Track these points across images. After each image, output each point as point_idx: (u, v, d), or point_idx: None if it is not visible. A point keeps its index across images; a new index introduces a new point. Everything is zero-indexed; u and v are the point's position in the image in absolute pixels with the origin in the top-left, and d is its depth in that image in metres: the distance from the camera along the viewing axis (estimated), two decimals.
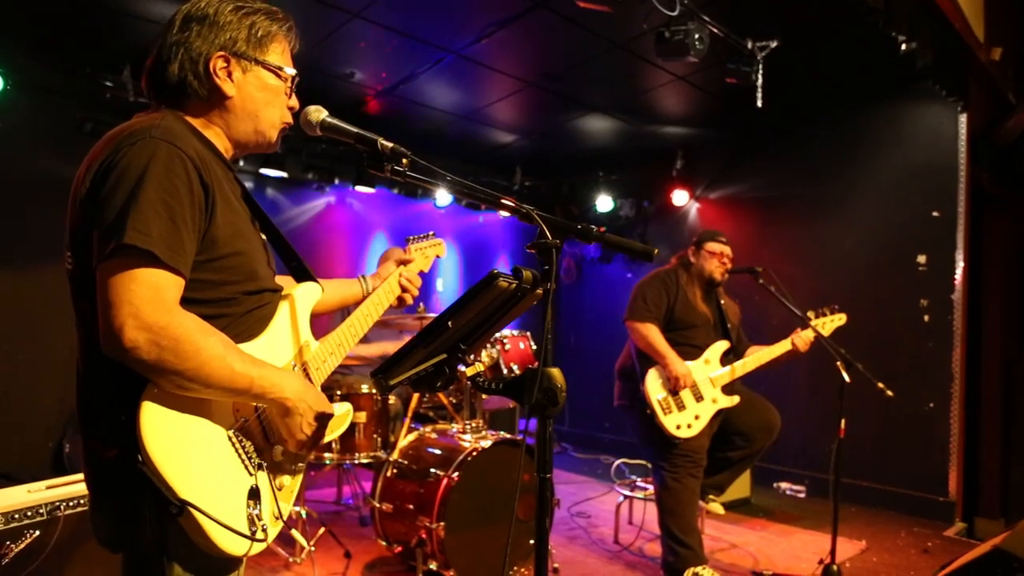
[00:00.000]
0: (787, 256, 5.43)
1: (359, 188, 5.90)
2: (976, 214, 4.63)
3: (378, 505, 3.26)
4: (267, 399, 1.27)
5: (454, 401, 3.91)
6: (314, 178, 5.56)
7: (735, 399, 3.38)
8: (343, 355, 1.60)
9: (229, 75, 1.34)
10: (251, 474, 1.29)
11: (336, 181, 5.70)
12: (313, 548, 3.38)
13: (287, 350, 1.43)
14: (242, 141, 1.40)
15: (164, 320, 1.09)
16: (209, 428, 1.22)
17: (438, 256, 2.03)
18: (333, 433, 1.53)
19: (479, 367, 1.35)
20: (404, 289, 1.85)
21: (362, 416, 3.51)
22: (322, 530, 3.60)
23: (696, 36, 3.42)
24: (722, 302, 3.59)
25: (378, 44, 4.25)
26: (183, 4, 1.36)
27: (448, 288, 6.96)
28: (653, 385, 3.28)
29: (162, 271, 1.12)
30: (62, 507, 2.13)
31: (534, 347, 3.80)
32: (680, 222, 6.46)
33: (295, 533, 3.29)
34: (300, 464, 1.45)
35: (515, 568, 3.19)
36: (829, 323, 3.45)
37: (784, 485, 5.29)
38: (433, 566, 3.03)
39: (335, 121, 1.34)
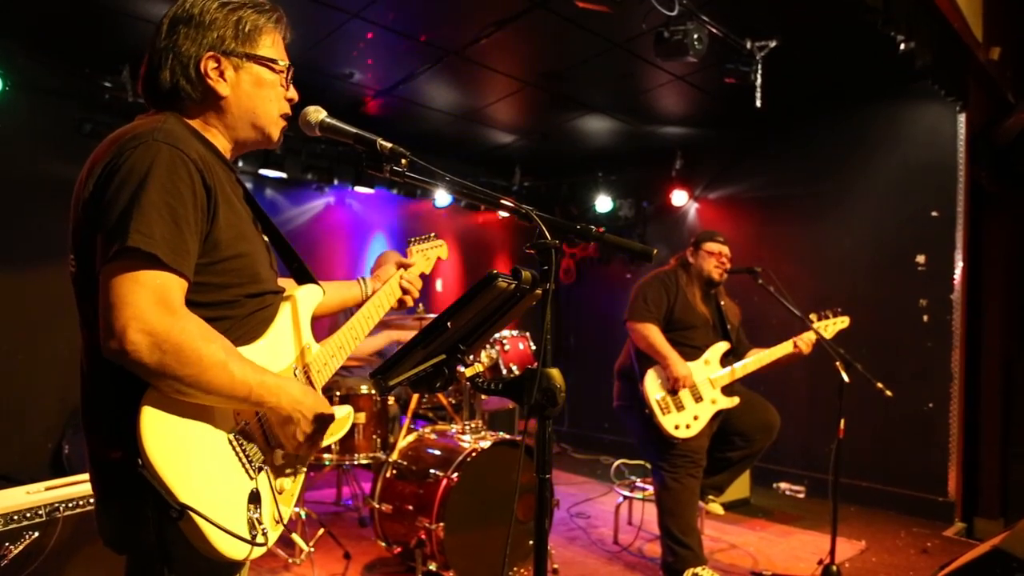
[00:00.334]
0: (786, 256, 5.43)
1: (358, 188, 5.90)
2: (975, 213, 4.63)
3: (377, 506, 3.26)
4: (266, 406, 1.27)
5: (453, 402, 3.91)
6: (313, 178, 5.56)
7: (735, 400, 3.38)
8: (344, 357, 1.60)
9: (221, 75, 1.32)
10: (252, 478, 1.28)
11: (335, 181, 5.69)
12: (312, 549, 3.38)
13: (289, 353, 1.43)
14: (242, 139, 1.40)
15: (167, 324, 1.09)
16: (210, 432, 1.22)
17: (440, 258, 2.04)
18: (333, 436, 1.53)
19: (478, 368, 1.35)
20: (405, 291, 1.86)
21: (361, 417, 3.50)
22: (321, 531, 3.60)
23: (695, 36, 3.42)
24: (722, 303, 3.59)
25: (377, 44, 4.25)
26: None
27: (447, 288, 6.96)
28: (652, 385, 3.28)
29: (166, 274, 1.11)
30: (61, 508, 2.13)
31: (533, 347, 3.80)
32: (679, 222, 6.46)
33: (295, 536, 3.29)
34: (300, 468, 1.45)
35: (515, 569, 3.19)
36: (832, 325, 3.45)
37: (783, 485, 5.29)
38: (432, 567, 3.03)
39: (334, 121, 1.33)
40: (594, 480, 5.64)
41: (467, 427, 3.42)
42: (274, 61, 1.39)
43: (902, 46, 3.56)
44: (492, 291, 1.21)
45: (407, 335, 4.13)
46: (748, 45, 3.90)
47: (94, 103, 4.37)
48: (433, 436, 3.42)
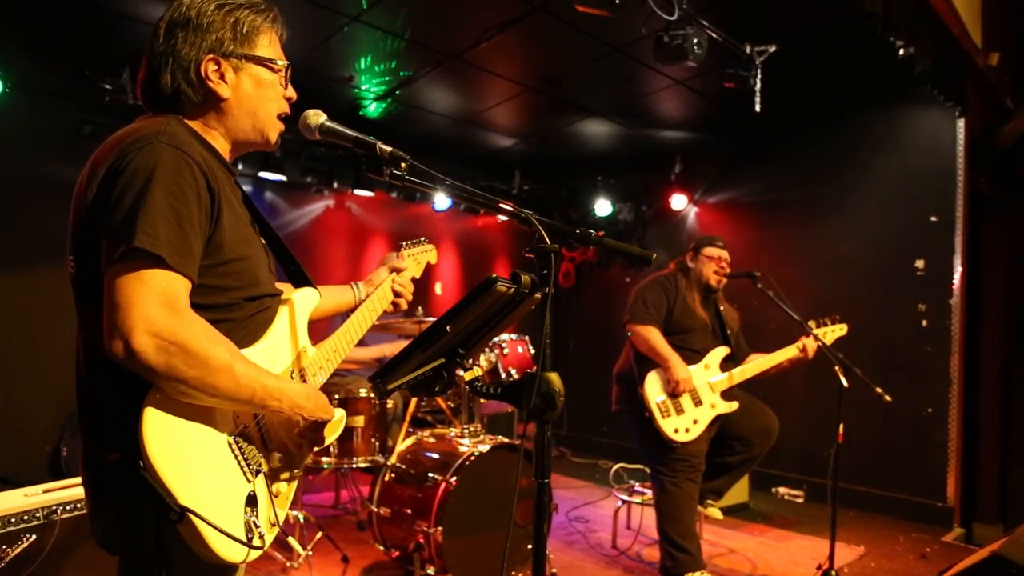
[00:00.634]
0: (785, 260, 5.43)
1: (358, 192, 5.90)
2: (974, 218, 4.63)
3: (376, 509, 3.25)
4: (268, 409, 1.27)
5: (452, 405, 3.91)
6: (313, 182, 5.56)
7: (733, 405, 3.38)
8: (339, 360, 1.62)
9: (222, 77, 1.33)
10: (249, 481, 1.28)
11: (335, 184, 5.69)
12: (311, 552, 3.37)
13: (286, 356, 1.43)
14: (242, 140, 1.40)
15: (174, 325, 1.09)
16: (210, 434, 1.22)
17: (429, 263, 2.05)
18: (327, 439, 1.53)
19: (477, 371, 1.35)
20: (398, 295, 1.88)
21: (360, 420, 3.50)
22: (320, 534, 3.59)
23: (695, 40, 3.43)
24: (721, 308, 3.59)
25: (376, 47, 4.26)
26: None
27: (447, 292, 6.96)
28: (652, 388, 3.28)
29: (172, 275, 1.11)
30: (59, 511, 2.12)
31: (532, 351, 3.80)
32: (679, 226, 6.47)
33: (291, 540, 3.28)
34: (296, 471, 1.45)
35: (513, 573, 3.18)
36: (830, 332, 3.45)
37: (782, 490, 5.29)
38: (431, 571, 3.02)
39: (334, 125, 1.34)
40: (593, 484, 5.64)
41: (466, 431, 3.41)
42: (273, 61, 1.39)
43: (901, 51, 3.57)
44: (491, 295, 1.21)
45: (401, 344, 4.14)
46: (748, 50, 3.91)
47: (94, 105, 4.37)
48: (432, 440, 3.42)
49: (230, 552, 1.18)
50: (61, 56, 4.31)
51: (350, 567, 3.52)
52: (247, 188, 5.73)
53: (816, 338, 3.36)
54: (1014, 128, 4.47)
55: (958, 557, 2.46)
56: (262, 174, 5.25)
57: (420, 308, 3.97)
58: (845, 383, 3.18)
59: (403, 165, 1.30)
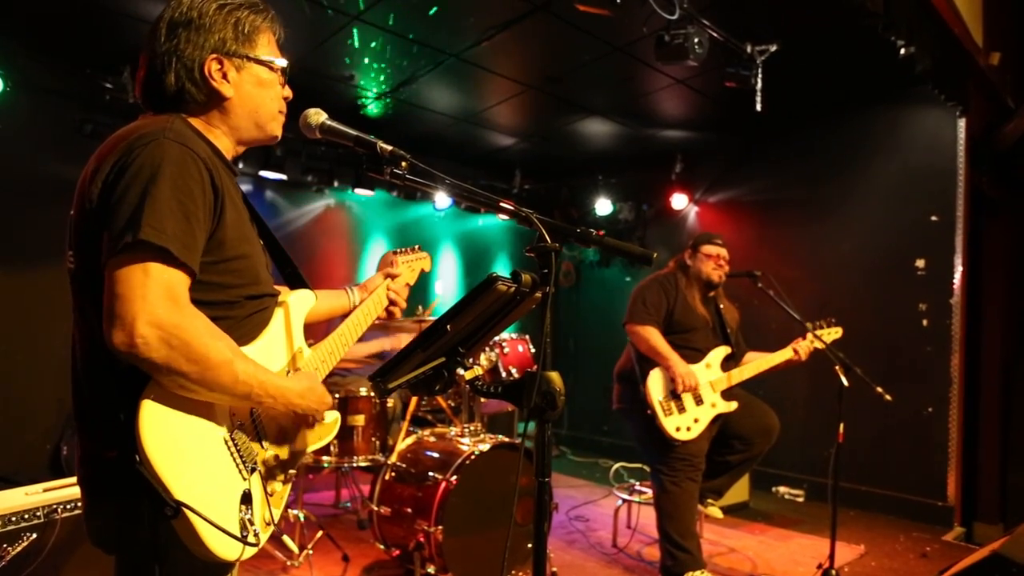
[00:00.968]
0: (786, 260, 5.43)
1: (358, 191, 5.90)
2: (975, 218, 4.63)
3: (376, 508, 3.25)
4: (265, 405, 1.27)
5: (452, 404, 3.91)
6: (313, 181, 5.56)
7: (733, 404, 3.38)
8: (334, 363, 1.63)
9: (224, 76, 1.34)
10: (244, 478, 1.29)
11: (335, 184, 5.69)
12: (311, 551, 3.37)
13: (282, 356, 1.44)
14: (245, 138, 1.41)
15: (176, 319, 1.09)
16: (207, 430, 1.22)
17: (423, 270, 2.05)
18: (321, 440, 1.55)
19: (478, 370, 1.35)
20: (392, 302, 1.88)
21: (360, 419, 3.50)
22: (320, 533, 3.59)
23: (696, 40, 3.43)
24: (721, 306, 3.59)
25: (377, 47, 4.25)
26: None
27: (447, 291, 6.96)
28: (655, 386, 3.28)
29: (176, 269, 1.12)
30: (59, 510, 2.13)
31: (533, 350, 3.80)
32: (679, 226, 6.46)
33: (286, 539, 3.29)
34: (291, 471, 1.46)
35: (513, 572, 3.18)
36: (825, 335, 3.45)
37: (783, 489, 5.29)
38: (431, 570, 3.02)
39: (334, 124, 1.34)
40: (593, 483, 5.64)
41: (466, 430, 3.41)
42: (272, 61, 1.41)
43: (902, 51, 3.57)
44: (492, 294, 1.21)
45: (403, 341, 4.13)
46: (749, 49, 3.91)
47: (95, 104, 4.37)
48: (432, 439, 3.42)
49: (225, 549, 1.19)
50: (62, 55, 4.31)
51: (350, 566, 3.52)
52: (248, 187, 5.75)
53: (817, 338, 3.36)
54: (1015, 128, 4.47)
55: (958, 556, 2.46)
56: (263, 173, 5.25)
57: (420, 307, 3.98)
58: (845, 382, 3.19)
59: (404, 164, 1.31)
